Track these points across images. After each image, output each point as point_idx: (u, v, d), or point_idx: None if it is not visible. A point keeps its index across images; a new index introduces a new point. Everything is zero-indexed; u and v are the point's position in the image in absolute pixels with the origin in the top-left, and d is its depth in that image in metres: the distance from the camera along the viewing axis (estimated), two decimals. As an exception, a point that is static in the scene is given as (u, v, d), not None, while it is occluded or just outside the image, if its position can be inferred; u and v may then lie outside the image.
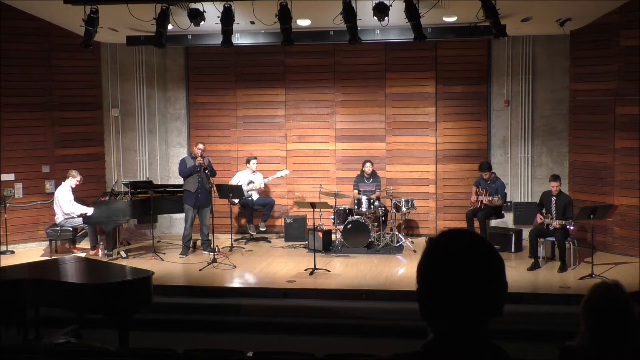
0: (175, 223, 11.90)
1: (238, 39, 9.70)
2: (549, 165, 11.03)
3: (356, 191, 10.90)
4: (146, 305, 6.61)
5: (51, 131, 11.13)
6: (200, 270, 9.26)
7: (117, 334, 6.20)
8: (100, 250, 10.11)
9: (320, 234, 10.17)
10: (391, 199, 10.59)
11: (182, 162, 10.19)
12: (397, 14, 8.15)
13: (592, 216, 8.69)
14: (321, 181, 11.17)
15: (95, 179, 11.49)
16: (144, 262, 9.47)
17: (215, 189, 10.42)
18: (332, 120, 11.70)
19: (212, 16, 8.48)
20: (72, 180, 10.23)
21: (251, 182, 11.02)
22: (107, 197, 10.41)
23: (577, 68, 10.55)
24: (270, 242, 11.19)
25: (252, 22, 9.04)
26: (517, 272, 9.02)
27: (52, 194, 10.68)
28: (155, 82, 11.91)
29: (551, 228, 9.12)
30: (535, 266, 9.19)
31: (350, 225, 10.15)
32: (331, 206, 10.28)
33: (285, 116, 11.80)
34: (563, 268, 9.05)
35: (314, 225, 9.97)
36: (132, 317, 6.37)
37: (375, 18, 8.07)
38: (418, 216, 11.44)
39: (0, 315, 6.81)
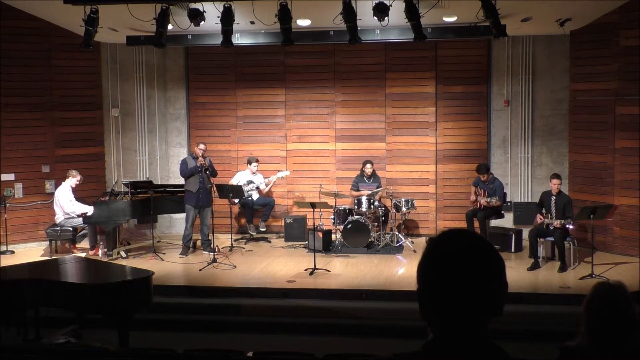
0: (175, 223, 11.90)
1: (238, 39, 9.70)
2: (549, 165, 11.03)
3: (353, 190, 10.88)
4: (146, 305, 6.61)
5: (51, 131, 11.13)
6: (200, 270, 9.26)
7: (117, 334, 6.20)
8: (100, 250, 10.11)
9: (320, 234, 10.17)
10: (391, 199, 10.59)
11: (184, 163, 10.19)
12: (397, 14, 8.15)
13: (592, 216, 8.69)
14: (321, 181, 11.16)
15: (95, 179, 11.49)
16: (144, 262, 9.47)
17: (215, 189, 10.43)
18: (332, 120, 11.70)
19: (212, 16, 8.48)
20: (72, 180, 10.23)
21: (251, 182, 11.02)
22: (107, 197, 10.41)
23: (577, 68, 10.54)
24: (270, 242, 11.19)
25: (252, 22, 9.04)
26: (517, 272, 9.02)
27: (52, 194, 10.68)
28: (155, 82, 11.91)
29: (551, 228, 9.13)
30: (535, 266, 9.19)
31: (350, 225, 10.15)
32: (331, 206, 10.28)
33: (285, 116, 11.81)
34: (563, 268, 9.05)
35: (314, 225, 9.97)
36: (132, 317, 6.36)
37: (375, 18, 8.07)
38: (418, 216, 11.44)
39: (0, 315, 6.81)
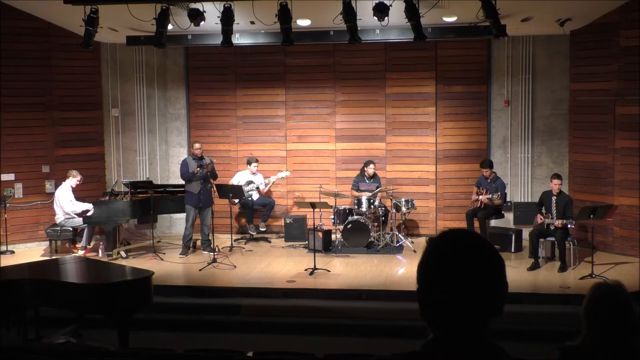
0: (175, 223, 11.89)
1: (238, 39, 9.70)
2: (549, 165, 11.03)
3: (354, 190, 10.89)
4: (146, 305, 6.61)
5: (51, 131, 11.13)
6: (200, 270, 9.26)
7: (117, 334, 6.20)
8: (89, 252, 10.00)
9: (320, 234, 10.17)
10: (391, 199, 10.58)
11: (184, 165, 10.15)
12: (397, 14, 8.15)
13: (592, 216, 8.69)
14: (321, 181, 11.16)
15: (95, 179, 11.49)
16: (144, 262, 9.47)
17: (215, 189, 10.43)
18: (332, 120, 11.70)
19: (212, 16, 8.47)
20: (73, 180, 10.23)
21: (251, 182, 11.02)
22: (107, 197, 10.41)
23: (577, 68, 10.54)
24: (270, 242, 11.19)
25: (252, 22, 9.04)
26: (517, 272, 9.02)
27: (52, 194, 10.68)
28: (155, 82, 11.91)
29: (552, 228, 9.13)
30: (535, 266, 9.19)
31: (350, 225, 10.15)
32: (331, 206, 10.27)
33: (285, 116, 11.80)
34: (563, 268, 9.05)
35: (314, 225, 9.97)
36: (132, 317, 6.36)
37: (375, 18, 8.07)
38: (418, 216, 11.44)
39: (0, 315, 6.81)
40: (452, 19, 9.23)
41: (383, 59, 11.44)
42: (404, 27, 8.72)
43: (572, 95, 10.68)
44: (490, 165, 10.27)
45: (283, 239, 11.17)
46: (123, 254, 10.12)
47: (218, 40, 8.79)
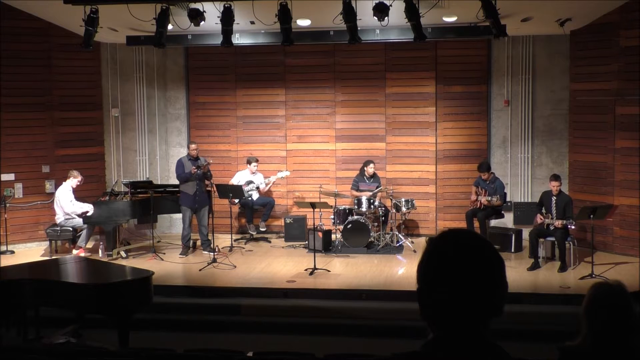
0: (175, 223, 11.89)
1: (238, 39, 9.70)
2: (549, 165, 11.03)
3: (354, 190, 10.88)
4: (146, 305, 6.61)
5: (51, 131, 11.13)
6: (200, 270, 9.26)
7: (117, 334, 6.20)
8: (84, 252, 9.97)
9: (320, 234, 10.17)
10: (391, 199, 10.58)
11: (180, 165, 10.13)
12: (397, 14, 8.15)
13: (592, 216, 8.69)
14: (321, 181, 11.16)
15: (95, 179, 11.48)
16: (144, 262, 9.47)
17: (215, 189, 10.43)
18: (332, 120, 11.70)
19: (212, 16, 8.47)
20: (73, 181, 10.23)
21: (250, 182, 11.02)
22: (107, 197, 10.40)
23: (577, 68, 10.54)
24: (270, 242, 11.19)
25: (252, 22, 9.04)
26: (517, 272, 9.02)
27: (52, 194, 10.69)
28: (155, 82, 11.91)
29: (552, 228, 9.13)
30: (535, 266, 9.19)
31: (350, 225, 10.15)
32: (331, 206, 10.27)
33: (285, 116, 11.80)
34: (563, 268, 9.05)
35: (314, 225, 9.97)
36: (132, 317, 6.36)
37: (375, 18, 8.07)
38: (418, 216, 11.44)
39: (0, 315, 6.81)
40: (452, 19, 9.23)
41: (383, 59, 11.44)
42: (404, 27, 8.72)
43: (572, 95, 10.68)
44: (487, 168, 10.24)
45: (283, 239, 11.17)
46: (123, 254, 10.12)
47: (218, 40, 8.79)
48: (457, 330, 1.57)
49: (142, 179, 11.42)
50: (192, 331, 7.67)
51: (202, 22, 8.47)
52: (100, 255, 10.04)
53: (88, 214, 10.08)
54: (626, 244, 9.94)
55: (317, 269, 9.07)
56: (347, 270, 9.29)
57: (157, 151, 12.01)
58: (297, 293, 8.40)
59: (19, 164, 10.83)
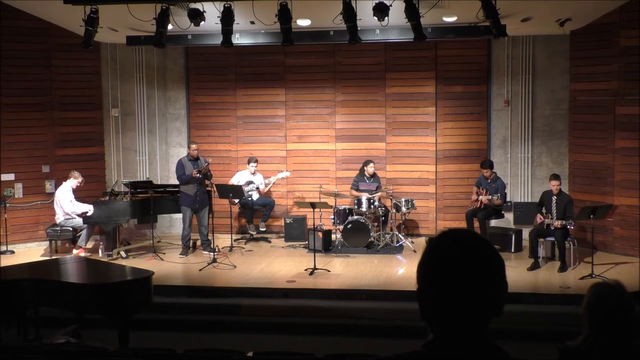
0: (175, 223, 11.89)
1: (238, 39, 9.70)
2: (549, 165, 11.03)
3: (354, 190, 10.88)
4: (146, 305, 6.61)
5: (51, 131, 11.13)
6: (200, 270, 9.26)
7: (117, 334, 6.20)
8: (84, 252, 9.98)
9: (320, 234, 10.17)
10: (391, 199, 10.59)
11: (180, 167, 10.12)
12: (397, 14, 8.15)
13: (592, 216, 8.69)
14: (321, 181, 11.16)
15: (95, 179, 11.48)
16: (144, 262, 9.47)
17: (215, 189, 10.43)
18: (332, 120, 11.70)
19: (212, 16, 8.47)
20: (74, 181, 10.23)
21: (250, 182, 11.02)
22: (107, 197, 10.40)
23: (577, 68, 10.54)
24: (270, 242, 11.19)
25: (252, 22, 9.04)
26: (517, 272, 9.02)
27: (52, 194, 10.68)
28: (155, 82, 11.91)
29: (552, 228, 9.13)
30: (535, 266, 9.19)
31: (350, 225, 10.15)
32: (331, 206, 10.27)
33: (285, 116, 11.81)
34: (563, 268, 9.05)
35: (314, 225, 9.97)
36: (132, 317, 6.36)
37: (375, 18, 8.07)
38: (418, 216, 11.44)
39: (0, 315, 6.81)
40: (452, 19, 9.23)
41: (383, 59, 11.44)
42: (404, 27, 8.72)
43: (572, 95, 10.68)
44: (490, 165, 10.27)
45: (283, 239, 11.17)
46: (123, 254, 10.12)
47: (218, 40, 8.79)
48: (457, 331, 1.57)
49: (142, 179, 11.42)
50: (192, 331, 7.67)
51: (202, 22, 8.47)
52: (100, 255, 10.04)
53: (88, 214, 10.09)
54: (626, 244, 9.94)
55: (317, 269, 9.07)
56: (347, 270, 9.29)
57: (157, 151, 12.02)
58: (297, 293, 8.40)
59: (19, 164, 10.83)
